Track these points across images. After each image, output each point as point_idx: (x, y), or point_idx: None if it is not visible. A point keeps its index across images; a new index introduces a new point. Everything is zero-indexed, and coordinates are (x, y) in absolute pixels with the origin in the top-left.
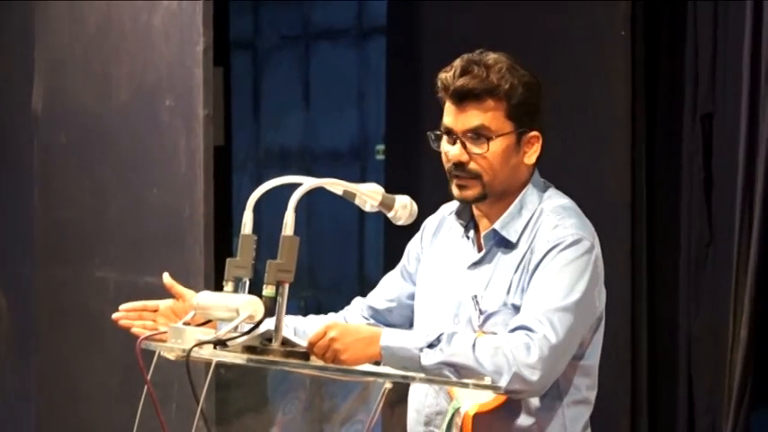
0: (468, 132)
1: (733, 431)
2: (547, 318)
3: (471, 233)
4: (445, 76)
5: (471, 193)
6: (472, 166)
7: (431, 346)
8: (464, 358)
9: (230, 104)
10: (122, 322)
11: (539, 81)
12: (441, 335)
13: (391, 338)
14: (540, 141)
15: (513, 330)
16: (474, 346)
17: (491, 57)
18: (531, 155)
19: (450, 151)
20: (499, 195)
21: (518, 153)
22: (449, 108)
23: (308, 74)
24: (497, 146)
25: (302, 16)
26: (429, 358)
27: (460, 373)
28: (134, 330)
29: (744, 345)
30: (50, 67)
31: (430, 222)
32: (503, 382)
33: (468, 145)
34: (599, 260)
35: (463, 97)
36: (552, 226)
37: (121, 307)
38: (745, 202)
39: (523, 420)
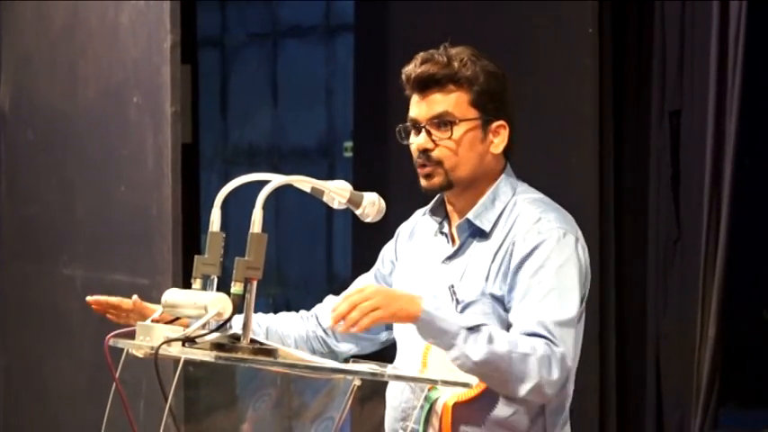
0: (433, 119)
1: (701, 428)
2: (560, 334)
3: (446, 228)
4: (408, 67)
5: (437, 180)
6: (436, 152)
7: (471, 329)
8: (498, 357)
9: (198, 102)
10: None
11: (503, 72)
12: (482, 325)
13: (433, 306)
14: (507, 131)
15: (531, 334)
16: (510, 347)
17: (454, 48)
18: (499, 144)
19: (415, 141)
20: (466, 185)
21: (484, 141)
22: (413, 99)
23: (276, 71)
24: (461, 131)
25: (270, 14)
26: (466, 343)
27: (482, 369)
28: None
29: (712, 342)
30: (17, 64)
31: (404, 228)
32: (522, 391)
33: (433, 132)
34: (585, 251)
35: (426, 85)
36: (535, 219)
37: (89, 299)
38: (713, 199)
39: (503, 410)
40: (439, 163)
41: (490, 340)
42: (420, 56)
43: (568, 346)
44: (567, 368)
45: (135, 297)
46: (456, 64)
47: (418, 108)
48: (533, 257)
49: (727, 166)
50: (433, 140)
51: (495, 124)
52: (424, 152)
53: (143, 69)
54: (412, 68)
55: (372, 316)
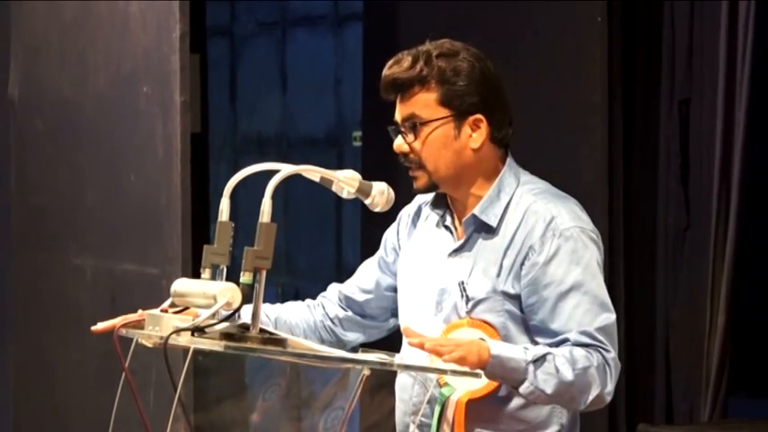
0: (405, 122)
1: (710, 417)
2: (607, 337)
3: (448, 221)
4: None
5: (421, 182)
6: (412, 155)
7: (535, 362)
8: (567, 383)
9: (207, 91)
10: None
11: (484, 65)
12: (545, 355)
13: (497, 348)
14: (486, 124)
15: (581, 345)
16: (572, 367)
17: (428, 45)
18: (477, 139)
19: (395, 143)
20: (453, 182)
21: (458, 138)
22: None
23: (285, 60)
24: (427, 133)
25: (279, 3)
26: (536, 378)
27: (554, 397)
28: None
29: (721, 331)
30: (27, 53)
31: (406, 212)
32: (585, 402)
33: (407, 134)
34: (599, 236)
35: (395, 89)
36: (547, 219)
37: (95, 330)
38: (722, 187)
39: (515, 404)
40: (419, 165)
41: (557, 369)
42: (393, 58)
43: (616, 346)
44: (619, 369)
45: (140, 311)
46: (420, 65)
47: (397, 110)
48: (556, 262)
49: (737, 155)
50: (408, 143)
51: (471, 119)
52: (403, 155)
53: (152, 59)
54: (383, 72)
55: (453, 361)
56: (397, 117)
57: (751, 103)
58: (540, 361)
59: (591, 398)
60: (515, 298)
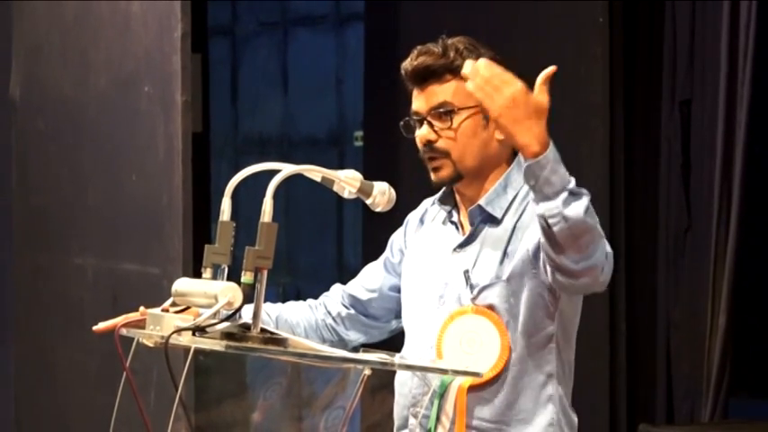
0: (433, 110)
1: (711, 417)
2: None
3: (455, 217)
4: (405, 62)
5: (446, 173)
6: (440, 143)
7: (573, 194)
8: (586, 227)
9: (208, 91)
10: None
11: (501, 60)
12: (583, 194)
13: (554, 155)
14: None
15: None
16: (596, 224)
17: (450, 39)
18: None
19: (418, 133)
20: (474, 173)
21: (486, 128)
22: (414, 93)
23: (287, 60)
24: (462, 119)
25: (280, 3)
26: (566, 204)
27: (570, 229)
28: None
29: (722, 331)
30: (28, 53)
31: (413, 216)
32: (584, 263)
33: (435, 123)
34: None
35: (423, 78)
36: None
37: (97, 329)
38: (723, 188)
39: (514, 394)
40: (446, 154)
41: (587, 208)
42: (416, 49)
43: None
44: (611, 271)
45: (142, 308)
46: (452, 53)
47: (418, 101)
48: None
49: (738, 156)
50: (436, 131)
51: None
52: (428, 144)
53: (154, 58)
54: (409, 62)
55: (492, 103)
56: (422, 106)
57: (752, 104)
58: (576, 195)
59: (590, 263)
60: (515, 278)
